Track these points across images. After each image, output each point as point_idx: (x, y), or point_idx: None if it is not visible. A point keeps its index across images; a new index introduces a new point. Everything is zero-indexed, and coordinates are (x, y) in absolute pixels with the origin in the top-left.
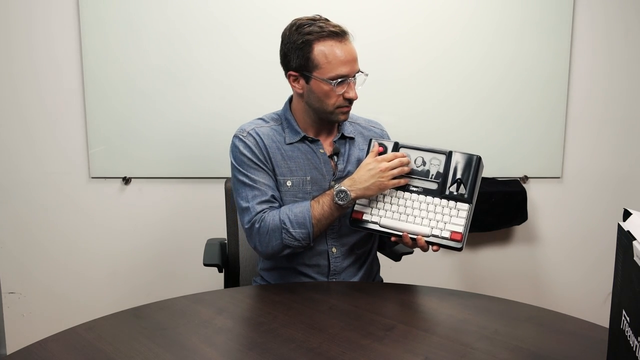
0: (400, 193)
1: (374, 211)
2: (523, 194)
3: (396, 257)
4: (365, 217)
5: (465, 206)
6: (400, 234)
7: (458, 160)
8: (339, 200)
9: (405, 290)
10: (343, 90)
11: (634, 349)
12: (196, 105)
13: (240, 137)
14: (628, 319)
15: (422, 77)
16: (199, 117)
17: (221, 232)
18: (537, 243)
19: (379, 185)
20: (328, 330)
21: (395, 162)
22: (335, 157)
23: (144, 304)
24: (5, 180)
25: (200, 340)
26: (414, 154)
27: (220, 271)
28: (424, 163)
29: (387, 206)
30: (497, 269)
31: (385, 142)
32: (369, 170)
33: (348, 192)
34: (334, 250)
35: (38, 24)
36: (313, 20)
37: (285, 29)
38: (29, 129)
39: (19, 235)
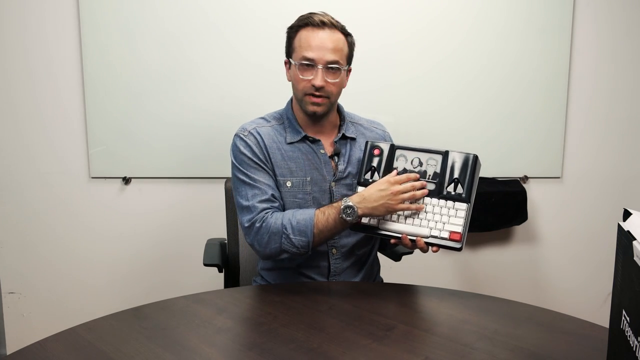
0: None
1: None
2: (523, 194)
3: (396, 257)
4: (363, 220)
5: (464, 206)
6: (400, 235)
7: (455, 160)
8: (345, 216)
9: (405, 290)
10: (311, 76)
11: (634, 349)
12: (196, 105)
13: (241, 136)
14: (628, 319)
15: (423, 79)
16: (199, 117)
17: (221, 232)
18: (537, 243)
19: (387, 208)
20: (328, 330)
21: (407, 186)
22: (335, 158)
23: (144, 304)
24: (5, 180)
25: (200, 340)
26: (410, 155)
27: (220, 271)
28: (420, 164)
29: None
30: (497, 269)
31: (382, 145)
32: (380, 191)
33: (355, 209)
34: (334, 251)
35: (38, 24)
36: (310, 13)
37: None
38: (29, 129)
39: (19, 235)
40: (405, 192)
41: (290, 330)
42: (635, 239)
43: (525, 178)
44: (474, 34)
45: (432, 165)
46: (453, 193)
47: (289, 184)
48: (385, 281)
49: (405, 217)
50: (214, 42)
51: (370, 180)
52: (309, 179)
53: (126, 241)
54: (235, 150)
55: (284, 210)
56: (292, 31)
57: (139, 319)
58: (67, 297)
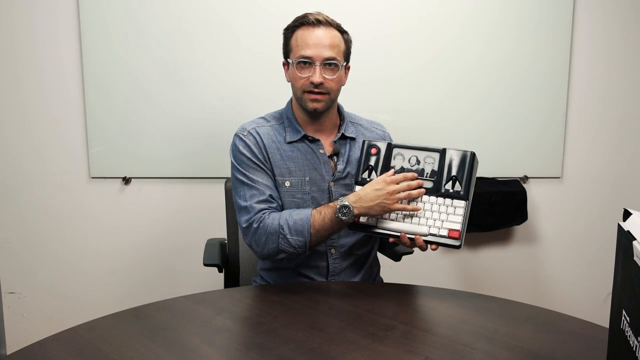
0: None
1: None
2: (523, 194)
3: (396, 257)
4: (362, 219)
5: (462, 203)
6: (398, 234)
7: (452, 158)
8: (341, 215)
9: (405, 290)
10: (309, 74)
11: (634, 349)
12: (196, 105)
13: (241, 136)
14: (628, 319)
15: (421, 75)
16: (199, 117)
17: (221, 232)
18: (537, 243)
19: (383, 207)
20: (328, 330)
21: (404, 185)
22: (335, 158)
23: (144, 304)
24: (5, 180)
25: (200, 340)
26: (407, 153)
27: (220, 271)
28: (418, 162)
29: None
30: (497, 269)
31: (379, 143)
32: (376, 190)
33: (351, 208)
34: (333, 251)
35: (37, 24)
36: (305, 13)
37: None
38: (29, 129)
39: (19, 235)
40: (401, 192)
41: (290, 330)
42: (635, 239)
43: (525, 178)
44: (474, 31)
45: (430, 163)
46: (451, 191)
47: (287, 183)
48: (385, 281)
49: (404, 216)
50: (214, 41)
51: (368, 180)
52: (307, 178)
53: (126, 241)
54: (234, 150)
55: (282, 210)
56: (289, 32)
57: (139, 319)
58: (67, 297)
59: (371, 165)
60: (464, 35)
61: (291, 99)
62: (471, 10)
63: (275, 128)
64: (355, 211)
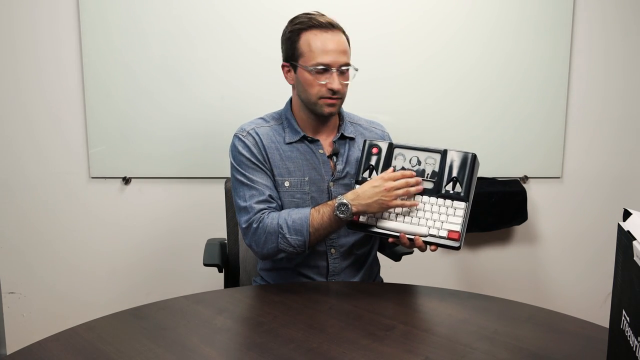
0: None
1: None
2: (523, 194)
3: (396, 257)
4: (362, 219)
5: (462, 204)
6: (398, 234)
7: (453, 159)
8: (339, 213)
9: (405, 290)
10: (326, 81)
11: (634, 349)
12: (196, 105)
13: (240, 136)
14: (628, 319)
15: (420, 75)
16: (199, 117)
17: (221, 232)
18: (537, 243)
19: (381, 204)
20: (328, 330)
21: (401, 182)
22: (334, 158)
23: (144, 304)
24: (6, 180)
25: (200, 340)
26: (408, 154)
27: (220, 271)
28: (419, 162)
29: None
30: (497, 269)
31: (380, 143)
32: (373, 187)
33: (349, 206)
34: (332, 251)
35: (37, 24)
36: (307, 14)
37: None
38: (29, 129)
39: (19, 235)
40: (399, 189)
41: (290, 330)
42: (635, 239)
43: (525, 178)
44: (473, 31)
45: (431, 164)
46: (452, 192)
47: (287, 184)
48: (385, 281)
49: (404, 216)
50: (214, 41)
51: (368, 179)
52: (307, 179)
53: (126, 241)
54: (234, 150)
55: (282, 210)
56: (294, 34)
57: (139, 319)
58: (67, 297)
59: (372, 165)
60: (463, 35)
61: (290, 100)
62: (470, 9)
63: (275, 128)
64: (354, 209)
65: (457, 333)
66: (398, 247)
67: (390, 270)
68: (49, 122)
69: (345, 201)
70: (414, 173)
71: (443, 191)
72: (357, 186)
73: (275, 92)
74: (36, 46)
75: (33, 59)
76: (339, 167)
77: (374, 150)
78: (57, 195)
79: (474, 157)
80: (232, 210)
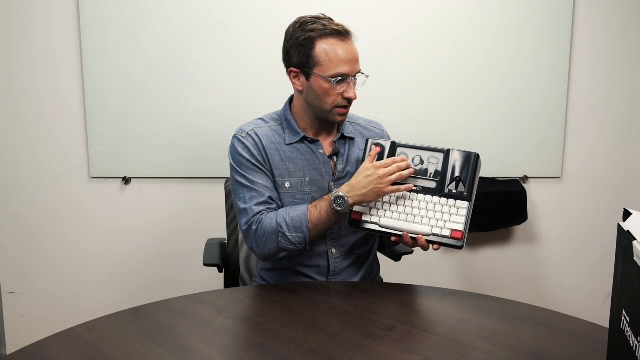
0: (399, 192)
1: (373, 211)
2: (523, 194)
3: (396, 257)
4: (364, 217)
5: (465, 204)
6: (401, 233)
7: (456, 158)
8: (336, 206)
9: (405, 290)
10: (342, 90)
11: (634, 349)
12: (196, 105)
13: (239, 137)
14: (628, 319)
15: (422, 78)
16: (199, 117)
17: (221, 232)
18: (537, 243)
19: (376, 192)
20: (328, 330)
21: (393, 167)
22: (334, 158)
23: (144, 304)
24: (5, 180)
25: (200, 340)
26: (411, 153)
27: (220, 271)
28: (422, 162)
29: (386, 206)
30: (497, 269)
31: (383, 142)
32: (367, 177)
33: (346, 199)
34: (333, 250)
35: (38, 25)
36: (317, 19)
37: (289, 26)
38: (29, 129)
39: (19, 235)
40: (392, 174)
41: (290, 330)
42: (635, 239)
43: (525, 178)
44: (474, 34)
45: (434, 163)
46: (455, 191)
47: (287, 184)
48: (385, 281)
49: (407, 215)
50: (214, 41)
51: None
52: (307, 179)
53: (126, 241)
54: (233, 152)
55: None
56: (309, 42)
57: (139, 319)
58: (67, 297)
59: None
60: (464, 39)
61: (289, 101)
62: (472, 14)
63: (274, 129)
64: (350, 200)
65: (457, 333)
66: (398, 246)
67: (390, 270)
68: (49, 123)
69: (341, 194)
70: (405, 158)
71: (446, 191)
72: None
73: (273, 93)
74: (36, 46)
75: (33, 59)
76: (340, 167)
77: (377, 149)
78: (57, 195)
79: (477, 156)
80: (232, 210)
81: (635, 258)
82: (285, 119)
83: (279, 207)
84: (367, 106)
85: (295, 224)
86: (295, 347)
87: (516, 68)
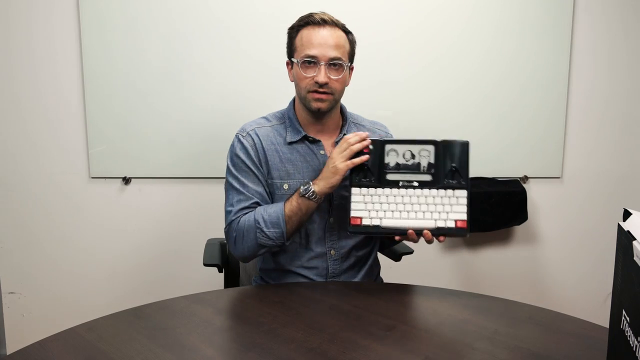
0: (395, 190)
1: (372, 213)
2: (523, 194)
3: (396, 257)
4: (364, 221)
5: (464, 192)
6: (405, 232)
7: (447, 148)
8: (304, 192)
9: (405, 290)
10: (314, 74)
11: (634, 349)
12: (196, 105)
13: (240, 137)
14: (628, 319)
15: (422, 77)
16: (199, 117)
17: (221, 232)
18: (537, 243)
19: (333, 171)
20: (328, 330)
21: (344, 145)
22: None
23: (144, 304)
24: (5, 180)
25: (200, 340)
26: (401, 149)
27: (220, 271)
28: (413, 156)
29: (385, 206)
30: (497, 269)
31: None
32: (327, 164)
33: (310, 184)
34: (332, 252)
35: (38, 24)
36: (310, 13)
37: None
38: (28, 129)
39: (19, 235)
40: (344, 151)
41: (290, 330)
42: (635, 239)
43: (525, 178)
44: (474, 33)
45: (425, 156)
46: (452, 182)
47: (285, 186)
48: (385, 281)
49: (408, 212)
50: (214, 41)
51: (365, 180)
52: (306, 182)
53: (126, 241)
54: (231, 151)
55: None
56: (293, 31)
57: (139, 319)
58: (67, 297)
59: (366, 166)
60: (464, 38)
61: (294, 99)
62: (471, 13)
63: (276, 128)
64: (315, 188)
65: (457, 333)
66: (398, 246)
67: (390, 270)
68: (49, 123)
69: (307, 180)
70: (358, 133)
71: (444, 182)
72: (354, 189)
73: (277, 91)
74: (36, 46)
75: (33, 59)
76: None
77: (365, 150)
78: (57, 195)
79: (467, 144)
80: None
81: (635, 258)
82: (288, 117)
83: None
84: (367, 105)
85: (273, 219)
86: (295, 347)
87: (516, 67)
